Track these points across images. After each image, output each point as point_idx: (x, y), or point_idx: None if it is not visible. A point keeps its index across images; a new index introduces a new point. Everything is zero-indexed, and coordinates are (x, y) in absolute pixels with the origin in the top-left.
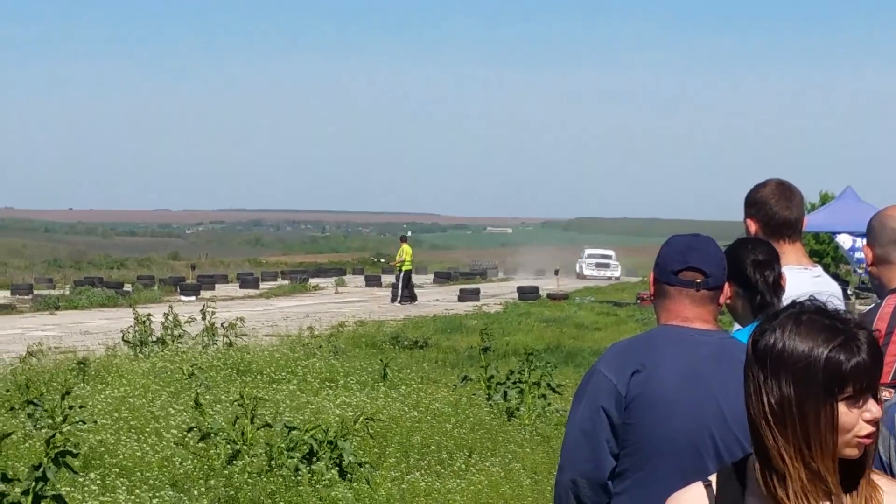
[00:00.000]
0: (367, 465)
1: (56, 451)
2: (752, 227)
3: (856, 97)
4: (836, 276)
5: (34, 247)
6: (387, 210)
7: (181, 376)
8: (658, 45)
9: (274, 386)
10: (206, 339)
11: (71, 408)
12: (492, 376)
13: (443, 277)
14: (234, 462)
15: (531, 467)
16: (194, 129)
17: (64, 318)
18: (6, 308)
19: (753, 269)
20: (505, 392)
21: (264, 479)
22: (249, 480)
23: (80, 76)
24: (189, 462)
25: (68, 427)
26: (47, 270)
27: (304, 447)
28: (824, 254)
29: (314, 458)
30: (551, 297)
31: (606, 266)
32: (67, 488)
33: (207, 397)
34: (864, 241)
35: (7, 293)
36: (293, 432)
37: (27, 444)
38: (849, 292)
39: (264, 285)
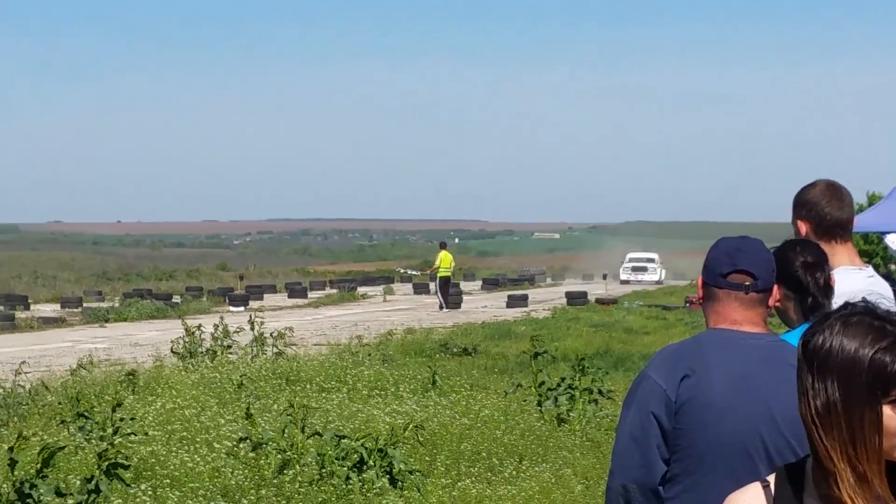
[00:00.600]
0: (417, 473)
1: (108, 463)
2: (803, 228)
3: None
4: (886, 277)
5: (83, 260)
6: (434, 217)
7: (230, 387)
8: (705, 45)
9: (323, 395)
10: (255, 349)
11: (122, 420)
12: (542, 382)
13: (491, 284)
14: (285, 471)
15: (582, 473)
16: (241, 140)
17: (113, 330)
18: (56, 321)
19: (804, 271)
20: (556, 398)
21: (315, 489)
22: (301, 490)
23: (126, 89)
24: (240, 472)
25: (119, 439)
26: (96, 283)
27: (355, 456)
28: (874, 254)
29: (365, 467)
30: (600, 301)
31: (644, 270)
32: (119, 501)
33: (257, 407)
34: None
35: (57, 306)
36: (343, 441)
37: (78, 457)
38: None
39: (312, 294)
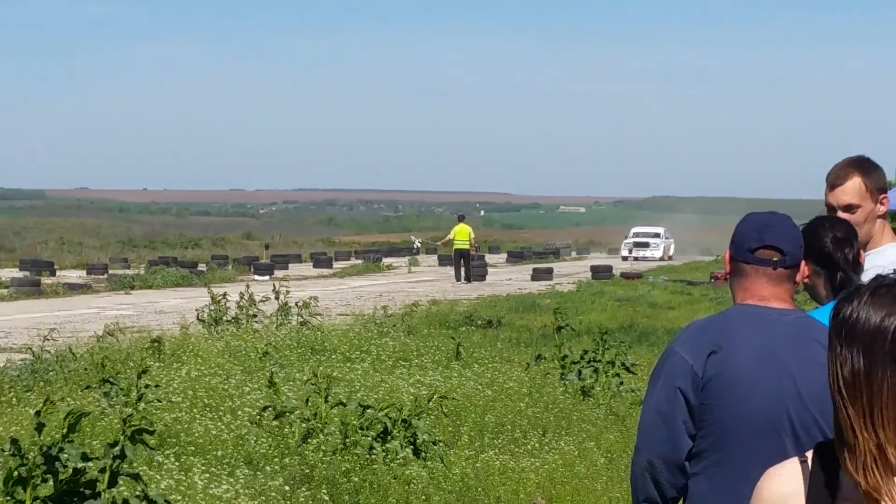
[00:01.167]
0: (441, 444)
1: (133, 429)
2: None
3: None
4: None
5: (109, 227)
6: (460, 189)
7: (255, 355)
8: (733, 22)
9: (348, 365)
10: (279, 318)
11: (147, 386)
12: (566, 355)
13: (516, 257)
14: (309, 441)
15: (605, 447)
16: (268, 109)
17: (139, 297)
18: (82, 287)
19: (833, 246)
20: (579, 371)
21: (339, 458)
22: (324, 459)
23: (152, 57)
24: (264, 440)
25: (144, 405)
26: (122, 250)
27: (379, 426)
28: None
29: (388, 437)
30: (625, 276)
31: (646, 246)
32: (143, 467)
33: (281, 376)
34: None
35: (83, 273)
36: (367, 411)
37: (103, 423)
38: None
39: (338, 265)
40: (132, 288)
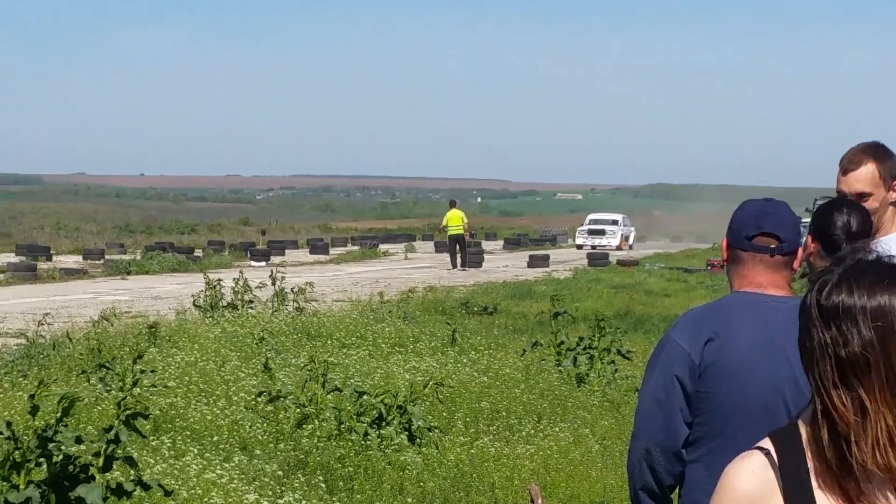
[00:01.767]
0: (436, 430)
1: (127, 413)
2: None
3: None
4: None
5: (106, 212)
6: (457, 176)
7: (251, 341)
8: (735, 10)
9: (344, 351)
10: (276, 303)
11: (142, 372)
12: (562, 342)
13: (512, 244)
14: (304, 426)
15: (601, 433)
16: (265, 95)
17: (135, 282)
18: (78, 273)
19: (844, 235)
20: (575, 358)
21: (334, 444)
22: (319, 444)
23: (149, 42)
24: (259, 426)
25: (139, 391)
26: (119, 235)
27: (374, 412)
28: None
29: (383, 423)
30: (621, 263)
31: (601, 233)
32: (139, 451)
33: (277, 361)
34: None
35: (79, 258)
36: (363, 397)
37: (99, 408)
38: None
39: (334, 251)
40: (129, 273)
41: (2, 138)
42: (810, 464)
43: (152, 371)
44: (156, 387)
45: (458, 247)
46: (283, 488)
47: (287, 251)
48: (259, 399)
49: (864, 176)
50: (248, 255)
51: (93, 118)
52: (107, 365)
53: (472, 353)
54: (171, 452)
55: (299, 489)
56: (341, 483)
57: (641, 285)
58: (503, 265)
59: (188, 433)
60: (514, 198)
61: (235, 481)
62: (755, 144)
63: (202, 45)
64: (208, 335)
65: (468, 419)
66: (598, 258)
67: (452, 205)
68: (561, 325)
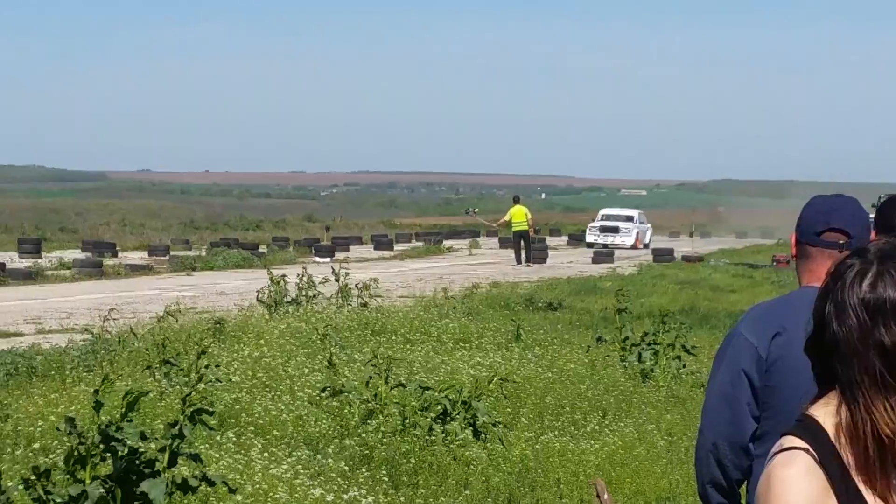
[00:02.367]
0: (501, 426)
1: (192, 408)
2: None
3: None
4: None
5: (171, 208)
6: (521, 172)
7: (316, 336)
8: (799, 2)
9: (408, 346)
10: (340, 299)
11: (207, 367)
12: (626, 338)
13: (577, 239)
14: (368, 422)
15: (666, 429)
16: (329, 91)
17: (200, 278)
18: (144, 269)
19: None
20: (639, 353)
21: (398, 439)
22: (384, 440)
23: (218, 39)
24: (323, 421)
25: (204, 386)
26: (184, 232)
27: (438, 407)
28: None
29: (448, 419)
30: (686, 259)
31: (615, 231)
32: (203, 446)
33: (342, 357)
34: None
35: (144, 254)
36: (427, 392)
37: (163, 403)
38: None
39: (398, 247)
40: (193, 269)
41: (68, 136)
42: (845, 460)
43: (217, 366)
44: (220, 382)
45: (522, 242)
46: (347, 483)
47: (351, 247)
48: (323, 394)
49: None
50: (313, 252)
51: (158, 115)
52: (171, 360)
53: (537, 348)
54: (236, 448)
55: (364, 484)
56: (406, 478)
57: (707, 281)
58: (567, 261)
59: (252, 428)
60: (578, 193)
61: (300, 476)
62: (824, 138)
63: (267, 42)
64: (273, 331)
65: (533, 414)
66: (662, 254)
67: (516, 200)
68: (626, 320)
